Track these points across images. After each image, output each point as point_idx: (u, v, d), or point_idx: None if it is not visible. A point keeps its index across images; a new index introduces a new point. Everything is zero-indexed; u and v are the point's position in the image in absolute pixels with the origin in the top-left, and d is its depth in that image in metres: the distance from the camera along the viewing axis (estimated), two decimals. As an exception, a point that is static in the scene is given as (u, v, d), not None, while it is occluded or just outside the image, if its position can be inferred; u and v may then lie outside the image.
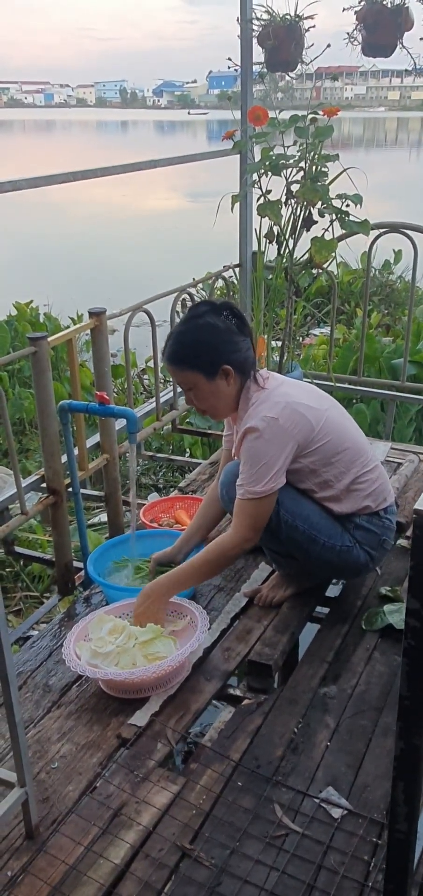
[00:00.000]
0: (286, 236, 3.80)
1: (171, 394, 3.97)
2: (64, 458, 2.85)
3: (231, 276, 4.51)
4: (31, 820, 1.75)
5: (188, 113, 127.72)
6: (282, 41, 3.86)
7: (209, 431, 4.51)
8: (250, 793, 1.86)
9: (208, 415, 2.48)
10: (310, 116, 3.61)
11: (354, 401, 4.92)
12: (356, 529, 2.42)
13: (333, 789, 1.86)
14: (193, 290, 4.06)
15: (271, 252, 4.07)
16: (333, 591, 2.68)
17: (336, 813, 1.79)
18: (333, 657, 2.32)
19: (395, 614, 2.43)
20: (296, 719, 2.08)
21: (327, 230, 3.68)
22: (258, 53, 4.03)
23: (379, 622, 2.44)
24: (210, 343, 2.32)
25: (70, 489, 2.88)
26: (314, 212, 3.69)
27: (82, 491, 2.97)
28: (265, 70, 4.03)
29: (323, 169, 3.62)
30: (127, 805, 1.83)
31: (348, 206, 3.57)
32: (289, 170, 3.67)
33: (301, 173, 3.65)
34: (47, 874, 1.67)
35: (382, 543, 2.47)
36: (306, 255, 3.78)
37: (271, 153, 3.68)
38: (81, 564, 2.93)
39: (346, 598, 2.62)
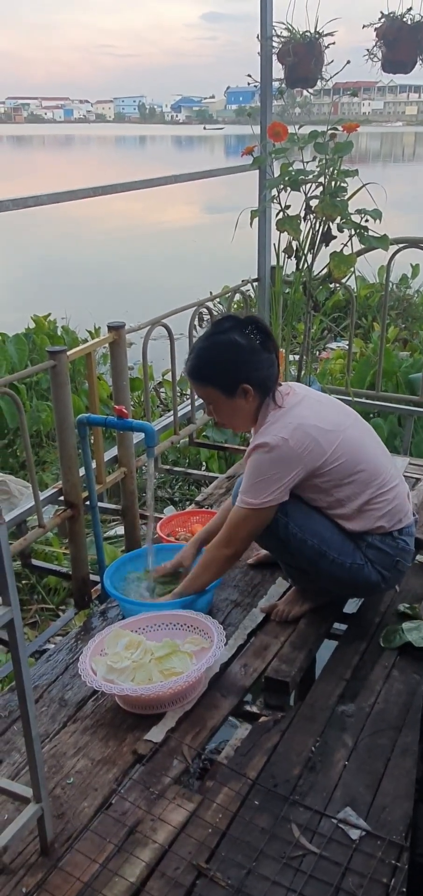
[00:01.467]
0: (305, 251, 3.80)
1: (188, 408, 3.97)
2: (81, 472, 2.85)
3: (249, 291, 4.50)
4: (47, 836, 1.74)
5: (204, 128, 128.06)
6: (302, 58, 3.86)
7: (226, 445, 4.51)
8: (267, 812, 1.84)
9: (228, 427, 2.49)
10: (329, 132, 3.61)
11: (371, 415, 4.90)
12: (368, 548, 2.39)
13: (351, 810, 1.83)
14: (210, 305, 4.06)
15: (290, 267, 4.06)
16: (350, 607, 2.65)
17: (354, 834, 1.77)
18: (351, 675, 2.30)
19: (414, 632, 2.40)
20: (314, 737, 2.06)
21: (346, 245, 3.67)
22: (278, 69, 4.04)
23: (398, 640, 2.41)
24: (230, 361, 2.32)
25: (87, 502, 2.88)
26: (333, 227, 3.69)
27: (99, 504, 2.97)
28: (285, 86, 4.04)
29: (342, 184, 3.61)
30: (143, 822, 1.82)
31: (367, 221, 3.57)
32: (308, 185, 3.67)
33: (320, 188, 3.65)
34: (62, 891, 1.66)
35: (396, 565, 2.43)
36: (325, 270, 3.77)
37: (291, 169, 3.68)
38: (97, 578, 2.93)
39: (364, 614, 2.59)
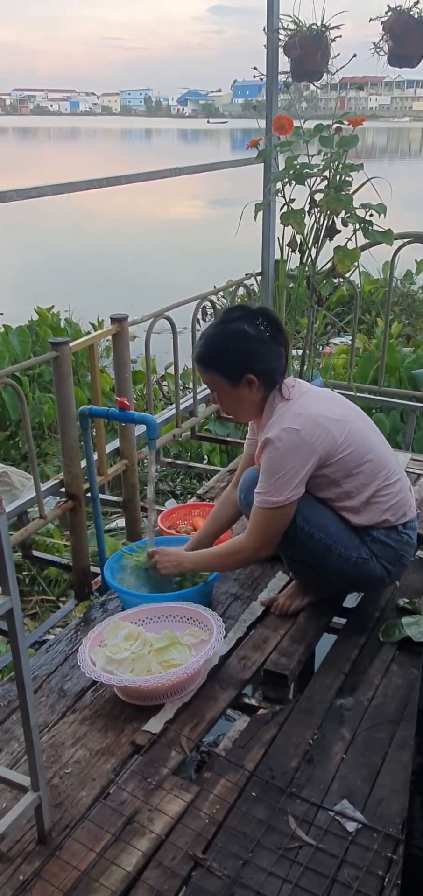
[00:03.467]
0: (309, 245, 3.79)
1: (190, 401, 3.97)
2: (83, 463, 2.85)
3: (252, 285, 4.50)
4: (44, 825, 1.75)
5: (208, 122, 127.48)
6: (308, 51, 3.85)
7: (228, 439, 4.51)
8: (264, 804, 1.84)
9: (230, 415, 2.49)
10: (335, 126, 3.60)
11: (373, 411, 4.90)
12: (373, 542, 2.40)
13: (348, 802, 1.84)
14: (214, 298, 4.06)
15: (293, 261, 4.06)
16: (350, 601, 2.65)
17: (351, 826, 1.77)
18: (349, 668, 2.31)
19: (413, 626, 2.41)
20: (311, 730, 2.07)
21: (350, 239, 3.66)
22: (284, 63, 4.03)
23: (397, 634, 2.41)
24: (237, 351, 2.33)
25: (89, 494, 2.89)
26: (338, 221, 3.68)
27: (100, 496, 2.97)
28: (291, 80, 4.03)
29: (347, 178, 3.61)
30: (140, 812, 1.83)
31: (371, 215, 3.56)
32: (313, 179, 3.67)
33: (325, 183, 3.64)
34: (59, 879, 1.66)
35: (400, 559, 2.44)
36: (329, 265, 3.77)
37: (296, 162, 3.68)
38: (98, 570, 2.93)
39: (363, 609, 2.59)
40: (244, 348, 2.33)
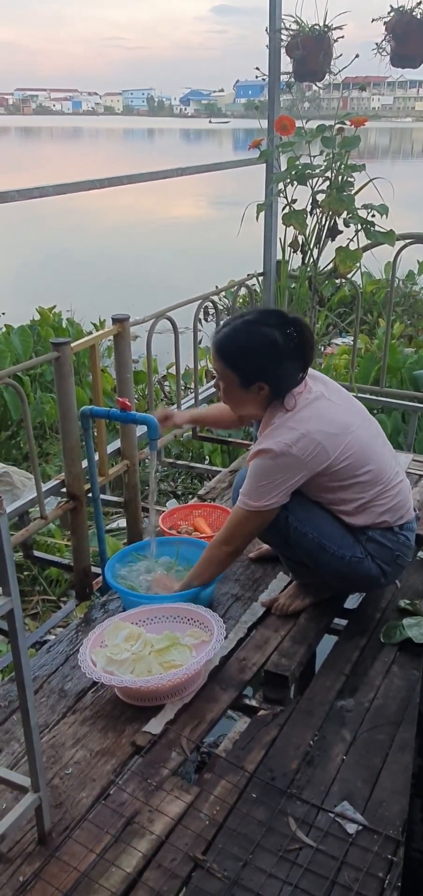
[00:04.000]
0: (311, 246, 3.80)
1: (192, 401, 3.97)
2: (84, 464, 2.85)
3: (254, 285, 4.50)
4: (44, 825, 1.74)
5: (210, 121, 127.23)
6: (310, 51, 3.86)
7: (229, 440, 4.50)
8: (264, 805, 1.84)
9: (229, 406, 2.49)
10: (337, 126, 3.60)
11: (375, 411, 4.89)
12: (368, 542, 2.39)
13: (348, 804, 1.84)
14: (215, 298, 4.06)
15: (295, 261, 4.06)
16: (351, 602, 2.65)
17: (351, 828, 1.77)
18: (350, 670, 2.30)
19: (414, 628, 2.40)
20: (312, 732, 2.06)
21: (351, 240, 3.66)
22: (286, 63, 4.03)
23: (398, 635, 2.41)
24: (260, 357, 2.29)
25: (90, 494, 2.89)
26: (340, 222, 3.68)
27: (101, 496, 2.97)
28: (293, 80, 4.03)
29: (349, 179, 3.61)
30: (140, 813, 1.83)
31: (373, 216, 3.56)
32: (315, 179, 3.67)
33: (327, 183, 3.64)
34: (59, 880, 1.66)
35: (396, 559, 2.43)
36: (331, 265, 3.77)
37: (298, 163, 3.68)
38: (98, 570, 2.93)
39: (364, 610, 2.59)
40: (267, 357, 2.28)
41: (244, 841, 1.74)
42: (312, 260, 3.85)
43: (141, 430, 3.22)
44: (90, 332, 6.85)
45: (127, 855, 1.71)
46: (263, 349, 2.28)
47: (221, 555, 2.43)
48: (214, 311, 4.05)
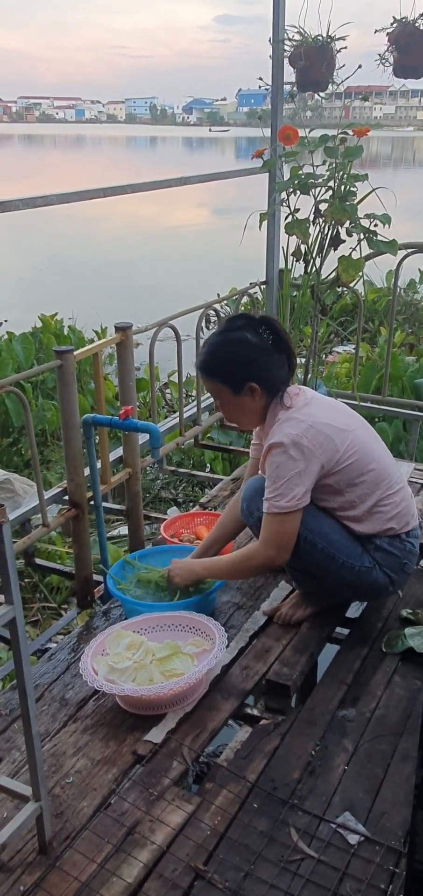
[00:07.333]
0: (313, 255, 3.80)
1: (194, 409, 3.97)
2: (86, 471, 2.85)
3: (256, 293, 4.50)
4: (45, 835, 1.74)
5: (210, 130, 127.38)
6: (313, 61, 3.86)
7: (231, 447, 4.51)
8: (266, 815, 1.83)
9: (232, 423, 2.51)
10: (340, 136, 3.61)
11: (376, 420, 4.89)
12: (376, 551, 2.40)
13: (350, 815, 1.83)
14: (218, 307, 4.06)
15: (297, 270, 4.06)
16: (353, 611, 2.65)
17: (353, 839, 1.76)
18: (352, 679, 2.30)
19: (416, 637, 2.40)
20: (314, 741, 2.06)
21: (354, 249, 3.67)
22: (289, 73, 4.04)
23: (400, 645, 2.40)
24: (239, 359, 2.34)
25: (92, 502, 2.89)
26: (342, 231, 3.69)
27: (103, 504, 2.97)
28: (296, 90, 4.04)
29: (352, 188, 3.61)
30: (141, 823, 1.82)
31: (376, 225, 3.56)
32: (318, 189, 3.67)
33: (330, 192, 3.65)
34: (60, 890, 1.66)
35: (403, 567, 2.44)
36: (333, 274, 3.77)
37: (300, 172, 3.68)
38: (100, 578, 2.93)
39: (366, 619, 2.59)
40: (246, 357, 2.34)
41: (246, 851, 1.73)
42: (314, 269, 3.85)
43: (143, 437, 3.22)
44: (92, 340, 6.87)
45: (128, 865, 1.71)
46: (239, 350, 2.34)
47: (264, 565, 2.38)
48: (216, 319, 4.05)
